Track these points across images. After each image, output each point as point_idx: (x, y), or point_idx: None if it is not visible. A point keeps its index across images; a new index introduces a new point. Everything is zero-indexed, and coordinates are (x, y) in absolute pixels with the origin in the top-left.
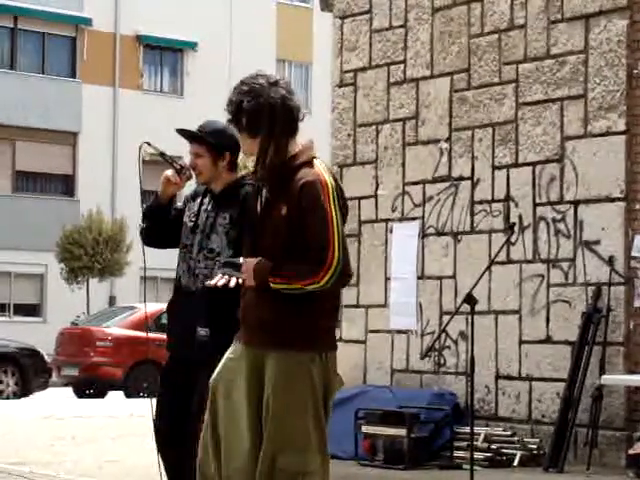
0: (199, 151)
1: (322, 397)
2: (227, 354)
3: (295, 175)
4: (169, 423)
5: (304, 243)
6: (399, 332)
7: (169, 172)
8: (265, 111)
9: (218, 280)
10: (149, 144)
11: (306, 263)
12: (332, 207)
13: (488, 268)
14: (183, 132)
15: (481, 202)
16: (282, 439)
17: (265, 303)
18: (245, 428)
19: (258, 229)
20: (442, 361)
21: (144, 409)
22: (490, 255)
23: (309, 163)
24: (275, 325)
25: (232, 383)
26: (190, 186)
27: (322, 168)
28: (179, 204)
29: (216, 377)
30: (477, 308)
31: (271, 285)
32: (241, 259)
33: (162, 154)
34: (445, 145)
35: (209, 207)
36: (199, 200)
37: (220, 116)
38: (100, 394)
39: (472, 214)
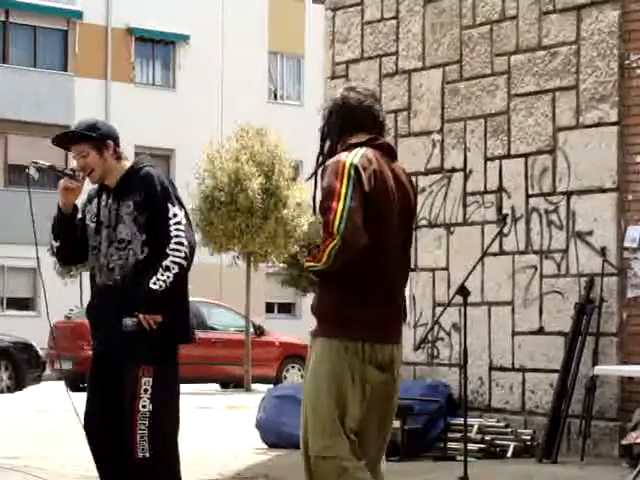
0: (83, 150)
1: (356, 386)
2: None
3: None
4: (101, 423)
5: None
6: None
7: (62, 181)
8: (330, 115)
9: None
10: (36, 162)
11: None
12: (340, 184)
13: (481, 259)
14: (60, 139)
15: (473, 193)
16: (309, 424)
17: (316, 292)
18: None
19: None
20: (435, 353)
21: None
22: (483, 246)
23: (347, 149)
24: (317, 313)
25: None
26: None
27: (355, 152)
28: (79, 216)
29: None
30: (470, 300)
31: (306, 265)
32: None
33: (51, 167)
34: (437, 137)
35: (109, 201)
36: (95, 201)
37: (212, 108)
38: None
39: (465, 205)
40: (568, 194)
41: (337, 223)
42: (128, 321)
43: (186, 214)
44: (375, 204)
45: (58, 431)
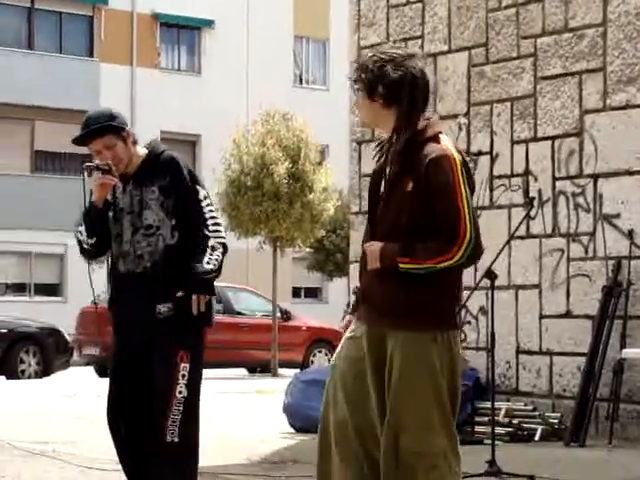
0: (109, 142)
1: (446, 377)
2: (348, 333)
3: (421, 151)
4: (124, 419)
5: (429, 221)
6: None
7: (98, 177)
8: (407, 83)
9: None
10: (89, 165)
11: (436, 241)
12: (461, 182)
13: (508, 243)
14: (83, 137)
15: (500, 177)
16: (404, 419)
17: (390, 283)
18: (374, 405)
19: (381, 207)
20: (462, 336)
21: None
22: (510, 230)
23: (435, 138)
24: (400, 306)
25: (356, 361)
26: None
27: (448, 143)
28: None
29: (337, 356)
30: (497, 283)
31: (400, 266)
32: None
33: (97, 166)
34: (464, 120)
35: (129, 188)
36: (111, 190)
37: (238, 93)
38: None
39: (491, 189)
40: (595, 177)
41: (469, 230)
42: (162, 307)
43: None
44: None
45: (86, 416)
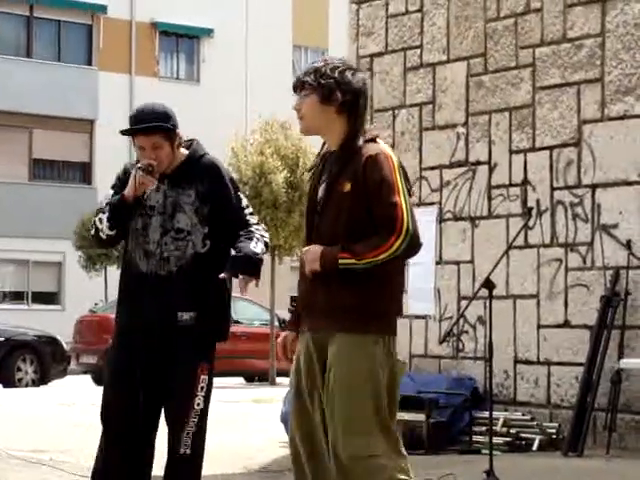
0: (157, 142)
1: (387, 382)
2: (296, 353)
3: (359, 152)
4: (127, 422)
5: (368, 221)
6: (417, 317)
7: (139, 175)
8: (363, 92)
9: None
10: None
11: (375, 235)
12: (398, 178)
13: (506, 253)
14: (134, 130)
15: (498, 187)
16: (343, 422)
17: (332, 286)
18: (316, 409)
19: (320, 211)
20: (460, 346)
21: None
22: (508, 239)
23: (372, 140)
24: (341, 308)
25: (298, 371)
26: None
27: (386, 146)
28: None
29: (292, 370)
30: (495, 293)
31: (339, 263)
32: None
33: (148, 169)
34: (462, 130)
35: (164, 187)
36: None
37: (237, 102)
38: None
39: (489, 199)
40: (593, 187)
41: (407, 221)
42: (185, 315)
43: None
44: None
45: (83, 425)
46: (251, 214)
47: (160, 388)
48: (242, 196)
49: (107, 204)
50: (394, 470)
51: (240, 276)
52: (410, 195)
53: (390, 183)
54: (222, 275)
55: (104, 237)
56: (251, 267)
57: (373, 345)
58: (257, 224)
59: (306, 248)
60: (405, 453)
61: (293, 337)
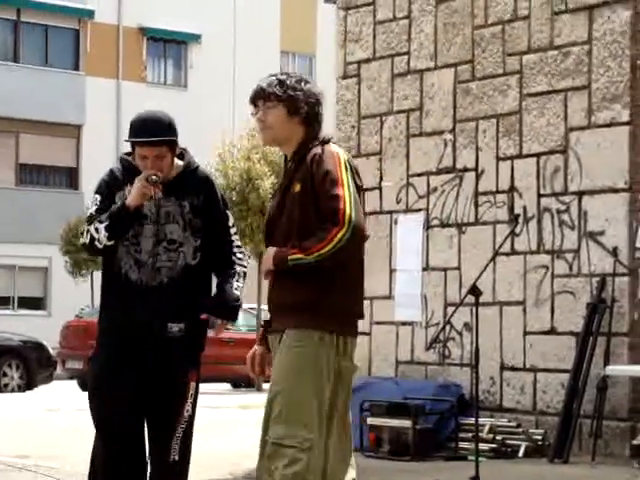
0: (160, 153)
1: (331, 379)
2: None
3: (309, 154)
4: (124, 424)
5: (318, 219)
6: (404, 324)
7: (142, 185)
8: (321, 103)
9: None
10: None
11: (319, 230)
12: (342, 172)
13: (492, 259)
14: (140, 142)
15: (485, 193)
16: (274, 410)
17: (284, 286)
18: None
19: (279, 213)
20: (447, 352)
21: None
22: (494, 246)
23: (325, 142)
24: (289, 304)
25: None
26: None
27: (335, 146)
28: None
29: None
30: (482, 299)
31: (289, 259)
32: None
33: (154, 180)
34: (449, 136)
35: (159, 197)
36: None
37: (224, 108)
38: None
39: (476, 205)
40: (580, 194)
41: (349, 212)
42: (174, 327)
43: None
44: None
45: (69, 430)
46: (235, 234)
47: (145, 395)
48: (229, 214)
49: (108, 214)
50: (304, 469)
51: (219, 321)
52: (359, 191)
53: (333, 176)
54: (203, 316)
55: (100, 247)
56: (229, 313)
57: (318, 341)
58: (239, 247)
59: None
60: (331, 454)
61: (261, 351)
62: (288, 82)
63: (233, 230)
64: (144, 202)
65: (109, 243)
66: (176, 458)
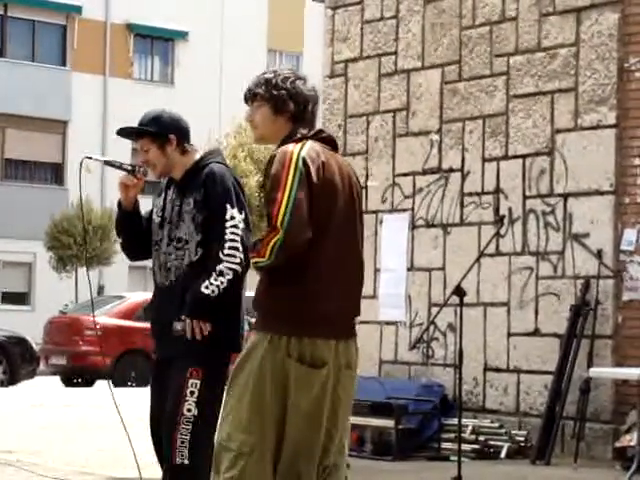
0: (144, 145)
1: (275, 382)
2: None
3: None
4: (156, 424)
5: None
6: (388, 323)
7: (120, 176)
8: (313, 100)
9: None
10: (90, 157)
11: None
12: (287, 174)
13: (477, 260)
14: (123, 132)
15: (471, 194)
16: (224, 411)
17: (258, 289)
18: None
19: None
20: (430, 353)
21: (133, 399)
22: (479, 247)
23: (298, 139)
24: (258, 309)
25: None
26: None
27: (305, 145)
28: (149, 208)
29: None
30: (466, 300)
31: (252, 262)
32: None
33: (106, 162)
34: (435, 137)
35: (174, 196)
36: (164, 194)
37: (210, 105)
38: (88, 383)
39: (462, 206)
40: (565, 196)
41: (281, 217)
42: (178, 325)
43: (246, 218)
44: (323, 196)
45: (52, 426)
46: (233, 227)
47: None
48: (229, 207)
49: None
50: (243, 474)
51: (187, 320)
52: (320, 190)
53: (275, 179)
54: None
55: (120, 242)
56: (194, 311)
57: (264, 342)
58: (233, 241)
59: None
60: (268, 458)
61: None
62: (274, 81)
63: (229, 224)
64: (131, 194)
65: (119, 239)
66: (185, 462)
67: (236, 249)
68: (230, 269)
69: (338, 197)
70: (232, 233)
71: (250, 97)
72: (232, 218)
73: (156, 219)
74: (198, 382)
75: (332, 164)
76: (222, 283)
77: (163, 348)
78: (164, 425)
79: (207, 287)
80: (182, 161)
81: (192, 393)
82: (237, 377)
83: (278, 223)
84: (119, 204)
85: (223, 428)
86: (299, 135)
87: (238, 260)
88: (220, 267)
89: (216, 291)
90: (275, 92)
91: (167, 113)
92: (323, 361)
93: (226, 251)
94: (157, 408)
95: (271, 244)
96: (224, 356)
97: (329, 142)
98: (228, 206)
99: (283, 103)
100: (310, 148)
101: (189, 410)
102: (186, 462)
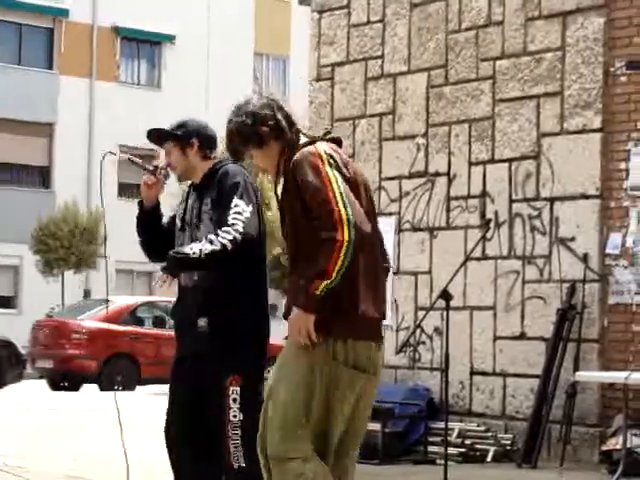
0: (168, 148)
1: (322, 383)
2: None
3: (290, 163)
4: (180, 434)
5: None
6: None
7: (144, 176)
8: (274, 109)
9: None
10: (113, 153)
11: (320, 243)
12: (326, 169)
13: (464, 264)
14: (152, 136)
15: (457, 198)
16: (271, 412)
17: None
18: None
19: (283, 233)
20: (417, 356)
21: (119, 402)
22: (466, 251)
23: (309, 143)
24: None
25: None
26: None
27: (320, 144)
28: (171, 213)
29: None
30: (452, 304)
31: (317, 295)
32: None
33: (130, 159)
34: (422, 141)
35: (193, 201)
36: (184, 202)
37: (197, 108)
38: (74, 387)
39: (448, 210)
40: (551, 200)
41: (344, 209)
42: (201, 321)
43: (257, 211)
44: (354, 191)
45: (39, 430)
46: (236, 213)
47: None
48: (236, 198)
49: None
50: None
51: (160, 272)
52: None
53: (317, 182)
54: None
55: (139, 241)
56: (169, 264)
57: (318, 345)
58: (234, 225)
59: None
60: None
61: None
62: (239, 129)
63: (233, 210)
64: (153, 194)
65: (140, 238)
66: (242, 464)
67: (235, 230)
68: (220, 242)
69: (364, 195)
70: (234, 218)
71: (240, 151)
72: (236, 206)
73: (178, 224)
74: (239, 388)
75: (351, 162)
76: (206, 249)
77: (186, 345)
78: (210, 425)
79: (191, 248)
80: (202, 166)
81: (235, 400)
82: (281, 379)
83: (345, 218)
84: (140, 203)
85: (275, 439)
86: (307, 139)
87: (231, 237)
88: (211, 236)
89: (197, 253)
90: (249, 135)
91: (194, 120)
92: (365, 363)
93: (224, 227)
94: (173, 413)
95: (346, 230)
96: (259, 357)
97: (339, 144)
98: (235, 197)
99: (261, 137)
100: (327, 146)
101: (235, 416)
102: (243, 464)
